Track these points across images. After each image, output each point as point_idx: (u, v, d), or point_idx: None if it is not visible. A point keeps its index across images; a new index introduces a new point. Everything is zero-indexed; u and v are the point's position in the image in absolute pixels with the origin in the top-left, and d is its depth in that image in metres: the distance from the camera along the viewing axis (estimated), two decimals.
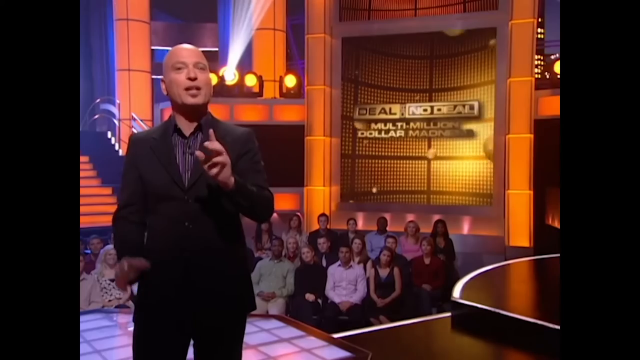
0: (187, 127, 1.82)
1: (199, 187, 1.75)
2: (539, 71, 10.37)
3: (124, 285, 1.80)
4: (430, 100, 9.01)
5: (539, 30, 11.10)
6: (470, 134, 8.76)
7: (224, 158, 1.57)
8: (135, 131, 11.24)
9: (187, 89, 1.76)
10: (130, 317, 4.40)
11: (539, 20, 9.23)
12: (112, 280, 5.20)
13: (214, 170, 1.56)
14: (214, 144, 1.56)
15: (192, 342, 1.85)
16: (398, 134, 9.17)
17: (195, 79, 1.76)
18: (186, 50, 1.81)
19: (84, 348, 3.53)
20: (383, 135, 9.24)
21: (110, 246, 5.51)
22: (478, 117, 8.69)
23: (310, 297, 5.49)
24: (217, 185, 1.67)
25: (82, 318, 4.16)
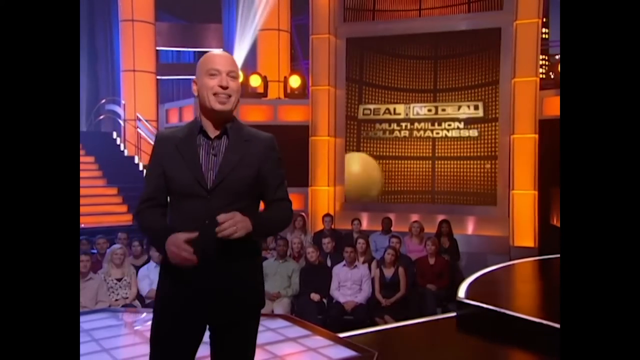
0: (212, 130, 1.90)
1: (222, 188, 1.83)
2: (544, 71, 10.36)
3: (191, 256, 1.75)
4: (434, 101, 9.01)
5: (544, 30, 11.07)
6: (474, 135, 8.75)
7: (238, 218, 1.70)
8: (141, 132, 11.31)
9: (217, 95, 1.84)
10: (136, 316, 4.45)
11: (544, 20, 9.19)
12: (118, 280, 5.24)
13: (231, 230, 1.69)
14: (224, 216, 1.70)
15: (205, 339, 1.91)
16: (402, 134, 9.17)
17: (227, 87, 1.85)
18: (222, 58, 1.89)
19: (91, 347, 3.55)
20: (387, 135, 9.25)
21: (117, 246, 5.53)
22: (482, 118, 8.69)
23: (315, 296, 5.51)
24: (239, 187, 1.82)
25: (90, 317, 4.19)
